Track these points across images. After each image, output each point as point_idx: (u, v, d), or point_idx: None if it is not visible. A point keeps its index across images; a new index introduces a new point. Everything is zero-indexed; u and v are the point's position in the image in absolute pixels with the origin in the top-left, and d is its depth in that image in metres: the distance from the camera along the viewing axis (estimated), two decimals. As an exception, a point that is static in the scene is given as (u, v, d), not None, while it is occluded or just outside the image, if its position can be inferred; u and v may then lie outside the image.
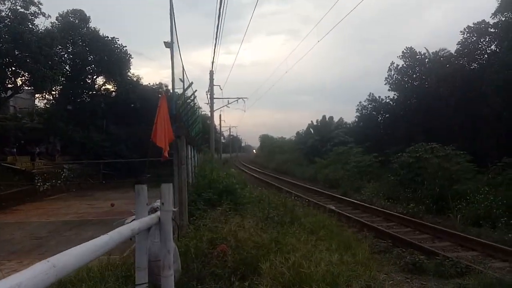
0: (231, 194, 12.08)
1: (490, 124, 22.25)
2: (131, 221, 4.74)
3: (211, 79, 28.37)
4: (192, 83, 11.75)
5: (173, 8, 10.53)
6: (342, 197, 18.49)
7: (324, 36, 16.54)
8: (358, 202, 16.77)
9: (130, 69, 33.87)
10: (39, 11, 24.32)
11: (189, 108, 14.99)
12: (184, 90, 11.30)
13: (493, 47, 24.72)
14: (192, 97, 14.26)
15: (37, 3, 24.14)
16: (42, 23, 25.59)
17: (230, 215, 9.68)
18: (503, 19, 23.28)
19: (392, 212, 14.06)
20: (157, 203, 4.90)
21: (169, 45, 10.93)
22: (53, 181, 25.75)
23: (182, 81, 13.78)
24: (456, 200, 14.16)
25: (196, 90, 13.10)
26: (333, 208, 15.13)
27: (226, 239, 7.21)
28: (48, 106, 32.23)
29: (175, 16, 11.45)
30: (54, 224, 13.53)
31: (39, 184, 24.19)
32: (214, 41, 17.36)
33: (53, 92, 30.90)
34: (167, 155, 5.35)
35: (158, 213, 4.57)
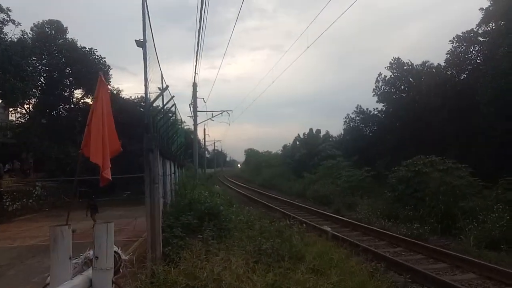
0: (214, 218, 10.07)
1: (485, 135, 20.89)
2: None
3: (194, 91, 26.47)
4: (168, 86, 9.82)
5: (146, 3, 8.76)
6: (336, 216, 16.57)
7: (314, 41, 14.93)
8: (355, 222, 14.86)
9: (110, 81, 31.67)
10: (8, 18, 22.17)
11: (167, 117, 13.05)
12: (160, 94, 9.36)
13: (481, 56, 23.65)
14: (171, 105, 12.37)
15: (6, 10, 21.99)
16: (11, 31, 23.41)
17: (213, 246, 7.69)
18: (493, 27, 22.23)
19: (396, 235, 12.19)
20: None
21: (141, 43, 9.06)
22: (24, 200, 23.31)
23: (161, 89, 11.89)
24: (465, 219, 12.45)
25: (173, 96, 11.13)
26: (329, 230, 13.24)
27: (207, 287, 5.25)
28: (21, 120, 29.67)
29: (151, 22, 9.65)
30: (17, 250, 11.93)
31: (7, 203, 21.74)
32: (196, 47, 15.57)
33: (26, 106, 28.45)
34: (109, 177, 3.41)
35: (89, 272, 2.63)
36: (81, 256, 3.03)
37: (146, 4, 8.80)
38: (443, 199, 14.03)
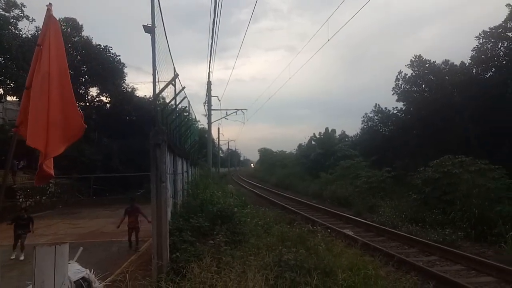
0: (227, 220, 8.97)
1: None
2: None
3: (209, 89, 25.46)
4: (178, 74, 8.74)
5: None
6: (358, 219, 15.26)
7: (335, 34, 13.79)
8: (379, 225, 13.54)
9: (125, 79, 30.98)
10: (22, 14, 21.52)
11: (180, 111, 12.03)
12: (169, 82, 8.28)
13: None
14: (183, 98, 11.30)
15: (20, 5, 21.36)
16: (26, 27, 22.83)
17: (226, 254, 6.58)
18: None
19: (426, 241, 10.86)
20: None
21: (149, 29, 8.05)
22: (37, 197, 22.72)
23: (174, 85, 10.89)
24: (504, 224, 11.06)
25: (184, 87, 10.06)
26: (352, 234, 12.00)
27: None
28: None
29: (161, 9, 8.68)
30: (25, 248, 10.90)
31: (20, 200, 21.15)
32: (211, 40, 14.52)
33: (41, 103, 27.91)
34: (49, 171, 2.28)
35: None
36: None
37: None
38: (476, 202, 12.63)
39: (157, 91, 8.03)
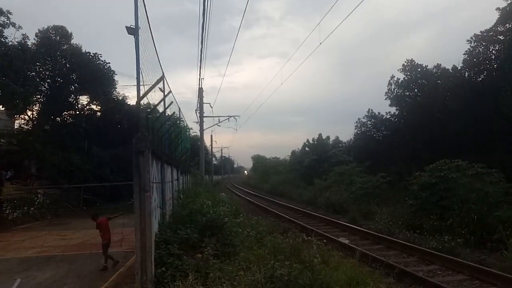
0: (217, 231, 8.42)
1: (507, 139, 18.93)
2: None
3: (200, 95, 24.99)
4: (163, 75, 8.23)
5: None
6: (354, 226, 14.75)
7: (326, 38, 13.42)
8: (376, 233, 13.05)
9: (116, 87, 30.39)
10: (8, 22, 20.92)
11: (168, 117, 11.50)
12: (153, 85, 7.78)
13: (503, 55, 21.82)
14: (171, 101, 10.77)
15: (6, 12, 20.76)
16: (12, 35, 22.17)
17: (214, 268, 6.06)
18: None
19: (425, 249, 10.36)
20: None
21: (132, 31, 7.59)
22: (25, 208, 21.95)
23: (162, 90, 10.39)
24: (504, 230, 10.65)
25: (170, 91, 9.55)
26: (347, 242, 11.50)
27: None
28: (23, 126, 28.35)
29: (146, 9, 8.22)
30: (9, 262, 10.67)
31: (7, 212, 20.42)
32: (200, 45, 14.11)
33: (29, 112, 27.20)
34: None
35: None
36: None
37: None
38: (475, 207, 12.21)
39: (137, 90, 7.57)
